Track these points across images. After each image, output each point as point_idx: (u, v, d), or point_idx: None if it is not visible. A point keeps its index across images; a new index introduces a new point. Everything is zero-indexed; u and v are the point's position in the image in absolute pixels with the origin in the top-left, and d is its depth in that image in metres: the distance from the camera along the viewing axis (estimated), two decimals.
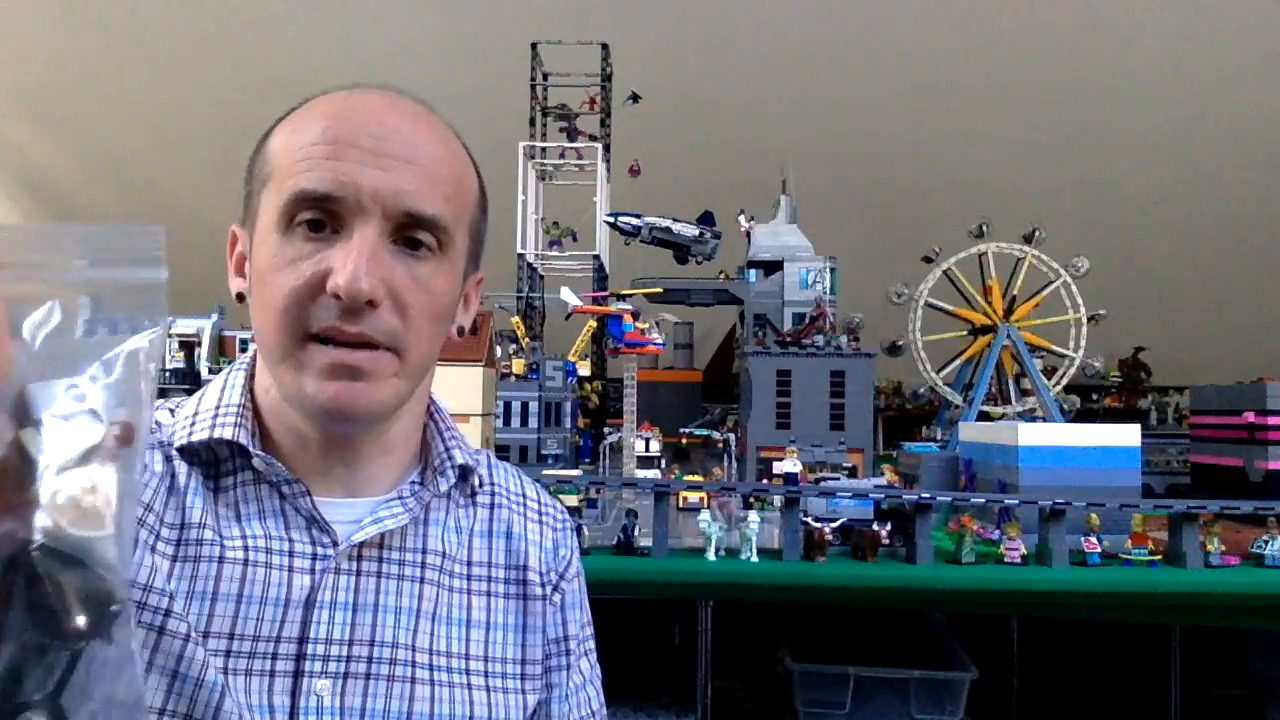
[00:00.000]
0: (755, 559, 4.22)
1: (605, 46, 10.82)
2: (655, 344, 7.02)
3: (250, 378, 0.98)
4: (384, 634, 0.92)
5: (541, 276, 10.57)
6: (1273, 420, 5.52)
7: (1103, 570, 4.22)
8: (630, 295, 7.52)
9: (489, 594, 1.03)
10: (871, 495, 4.55)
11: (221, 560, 0.89)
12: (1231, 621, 4.71)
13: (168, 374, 8.22)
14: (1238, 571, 4.24)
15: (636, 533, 4.36)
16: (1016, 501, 4.47)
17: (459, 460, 1.03)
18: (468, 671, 0.98)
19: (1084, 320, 7.78)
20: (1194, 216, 13.38)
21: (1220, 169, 13.42)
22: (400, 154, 0.88)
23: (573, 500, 4.81)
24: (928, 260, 7.90)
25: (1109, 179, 13.66)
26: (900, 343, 7.96)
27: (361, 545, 0.94)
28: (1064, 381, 7.94)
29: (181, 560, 0.88)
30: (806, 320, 7.90)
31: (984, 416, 7.55)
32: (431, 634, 0.96)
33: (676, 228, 8.79)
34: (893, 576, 4.19)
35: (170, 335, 8.39)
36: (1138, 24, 13.91)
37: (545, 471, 5.09)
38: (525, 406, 7.22)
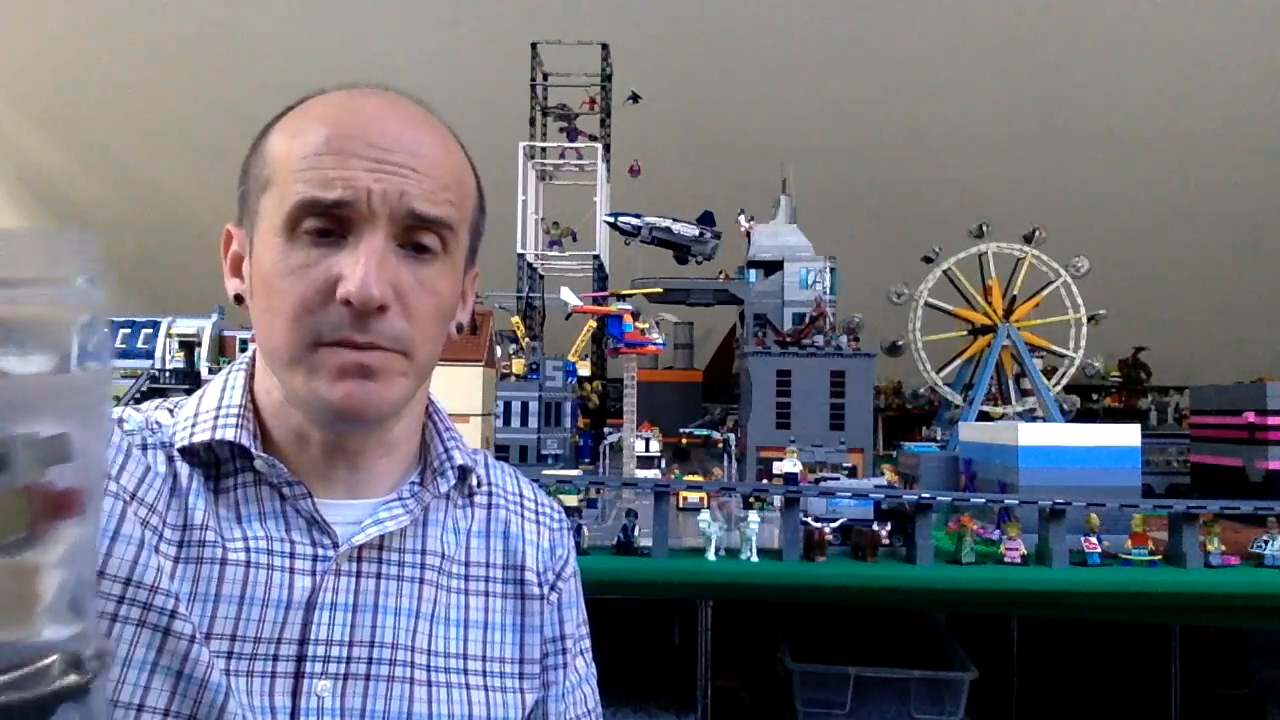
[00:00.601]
0: (755, 559, 4.22)
1: (605, 46, 10.82)
2: (655, 344, 7.02)
3: (250, 378, 0.98)
4: (384, 635, 0.93)
5: (541, 276, 10.57)
6: (1273, 420, 5.52)
7: (1103, 570, 4.21)
8: (630, 295, 7.52)
9: (487, 594, 1.04)
10: (871, 495, 4.55)
11: (224, 562, 0.89)
12: (1231, 621, 4.71)
13: (168, 374, 8.22)
14: (1238, 571, 4.24)
15: (636, 533, 4.36)
16: (1016, 501, 4.47)
17: (458, 461, 1.04)
18: (466, 671, 0.98)
19: (1084, 320, 7.78)
20: (1194, 216, 13.37)
21: (1220, 169, 13.40)
22: (404, 158, 0.88)
23: (573, 500, 4.81)
24: (928, 260, 7.90)
25: (1109, 179, 13.65)
26: (900, 343, 7.95)
27: (361, 547, 0.94)
28: (1064, 381, 7.94)
29: (184, 562, 0.88)
30: (806, 320, 7.90)
31: (984, 416, 7.55)
32: (431, 634, 0.97)
33: (676, 228, 8.80)
34: (893, 576, 4.19)
35: (170, 335, 8.40)
36: (1138, 24, 13.90)
37: (545, 471, 5.09)
38: (525, 406, 7.22)
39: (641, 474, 6.35)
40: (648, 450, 6.74)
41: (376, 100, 0.92)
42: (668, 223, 8.77)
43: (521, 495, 1.13)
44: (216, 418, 0.94)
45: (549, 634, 1.07)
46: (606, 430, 7.87)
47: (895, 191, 13.66)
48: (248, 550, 0.90)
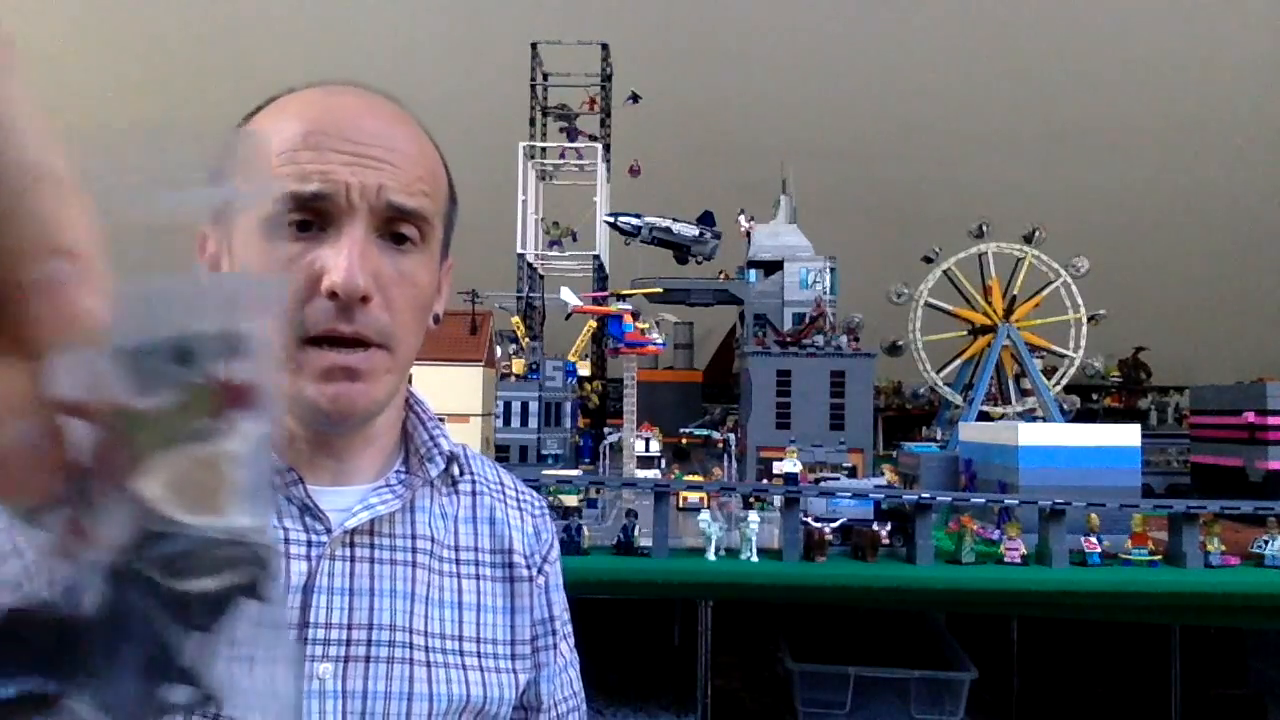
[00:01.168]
0: (755, 559, 4.21)
1: (605, 46, 10.81)
2: (655, 344, 7.01)
3: None
4: (381, 617, 0.95)
5: (541, 276, 10.56)
6: (1273, 420, 5.51)
7: (1103, 570, 4.21)
8: (630, 295, 7.51)
9: (478, 577, 1.06)
10: (871, 495, 4.55)
11: None
12: (1231, 621, 4.70)
13: None
14: (1238, 572, 4.23)
15: (636, 533, 4.36)
16: (1016, 501, 4.47)
17: (446, 448, 1.07)
18: (462, 653, 1.01)
19: (1084, 320, 7.78)
20: (1194, 216, 13.37)
21: (1220, 169, 13.41)
22: (380, 153, 0.90)
23: (573, 500, 4.80)
24: (928, 260, 7.89)
25: (1109, 179, 13.64)
26: (900, 343, 7.95)
27: (353, 532, 0.96)
28: (1064, 381, 7.93)
29: None
30: (806, 320, 7.90)
31: (984, 416, 7.55)
32: (426, 616, 0.99)
33: (676, 228, 8.79)
34: (893, 576, 4.18)
35: None
36: (1138, 24, 13.91)
37: (545, 471, 5.08)
38: (525, 406, 7.21)
39: (641, 474, 6.35)
40: (648, 450, 6.74)
41: (350, 96, 0.94)
42: (668, 223, 8.76)
43: (503, 484, 1.17)
44: None
45: (538, 615, 1.10)
46: (606, 430, 7.86)
47: (895, 191, 13.66)
48: None
